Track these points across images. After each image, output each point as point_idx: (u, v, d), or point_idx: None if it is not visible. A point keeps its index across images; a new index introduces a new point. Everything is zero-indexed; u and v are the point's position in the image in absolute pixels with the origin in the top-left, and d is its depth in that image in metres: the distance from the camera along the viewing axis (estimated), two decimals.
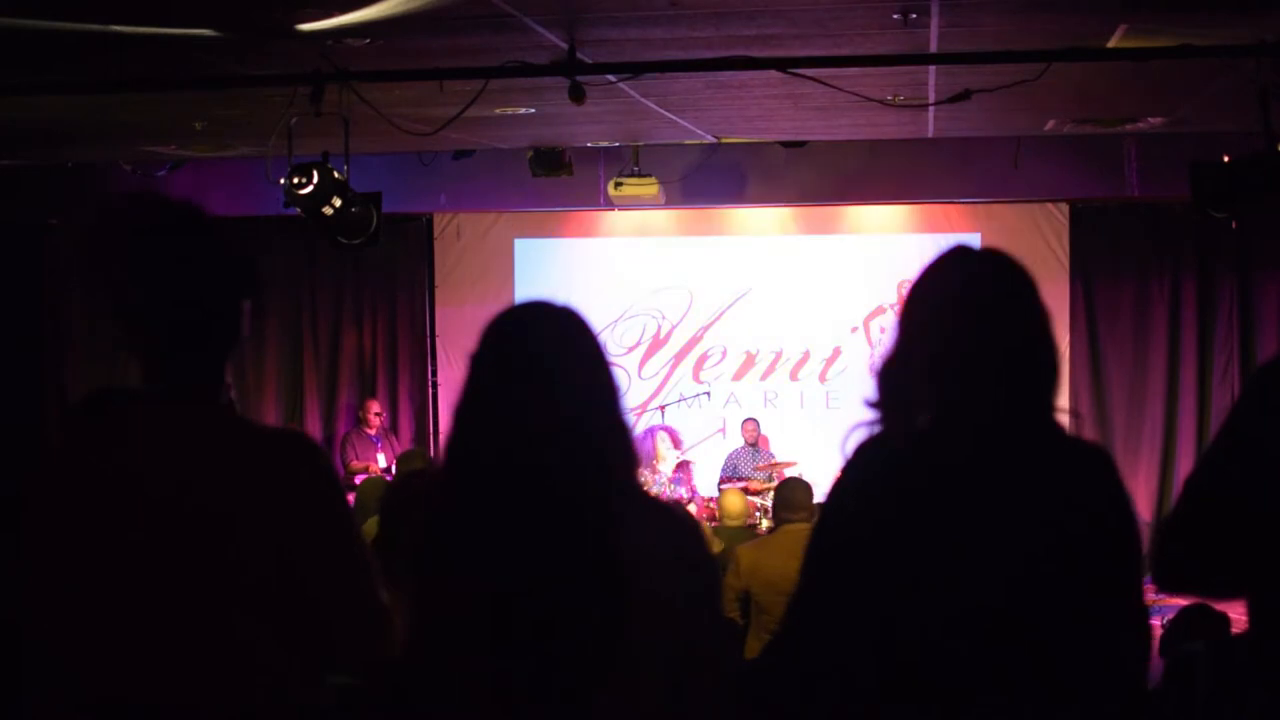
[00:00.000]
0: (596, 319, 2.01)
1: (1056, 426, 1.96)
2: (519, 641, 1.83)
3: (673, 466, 9.36)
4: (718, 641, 1.99)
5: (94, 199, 9.42)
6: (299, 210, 6.80)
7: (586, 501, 1.86)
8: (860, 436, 2.00)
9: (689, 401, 10.42)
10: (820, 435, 9.90)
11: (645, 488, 2.74)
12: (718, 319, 10.73)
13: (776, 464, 9.45)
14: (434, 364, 10.97)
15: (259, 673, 1.84)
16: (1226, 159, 6.34)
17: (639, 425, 9.59)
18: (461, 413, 1.95)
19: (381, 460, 9.98)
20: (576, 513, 1.85)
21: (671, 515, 2.05)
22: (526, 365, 1.91)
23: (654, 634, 1.87)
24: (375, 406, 10.46)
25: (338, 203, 6.80)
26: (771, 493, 8.68)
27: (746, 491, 8.71)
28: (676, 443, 9.57)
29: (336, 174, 6.81)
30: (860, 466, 2.00)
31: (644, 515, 1.94)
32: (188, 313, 1.90)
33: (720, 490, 8.68)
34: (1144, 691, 1.95)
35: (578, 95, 5.64)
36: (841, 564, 1.96)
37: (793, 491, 5.60)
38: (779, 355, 10.68)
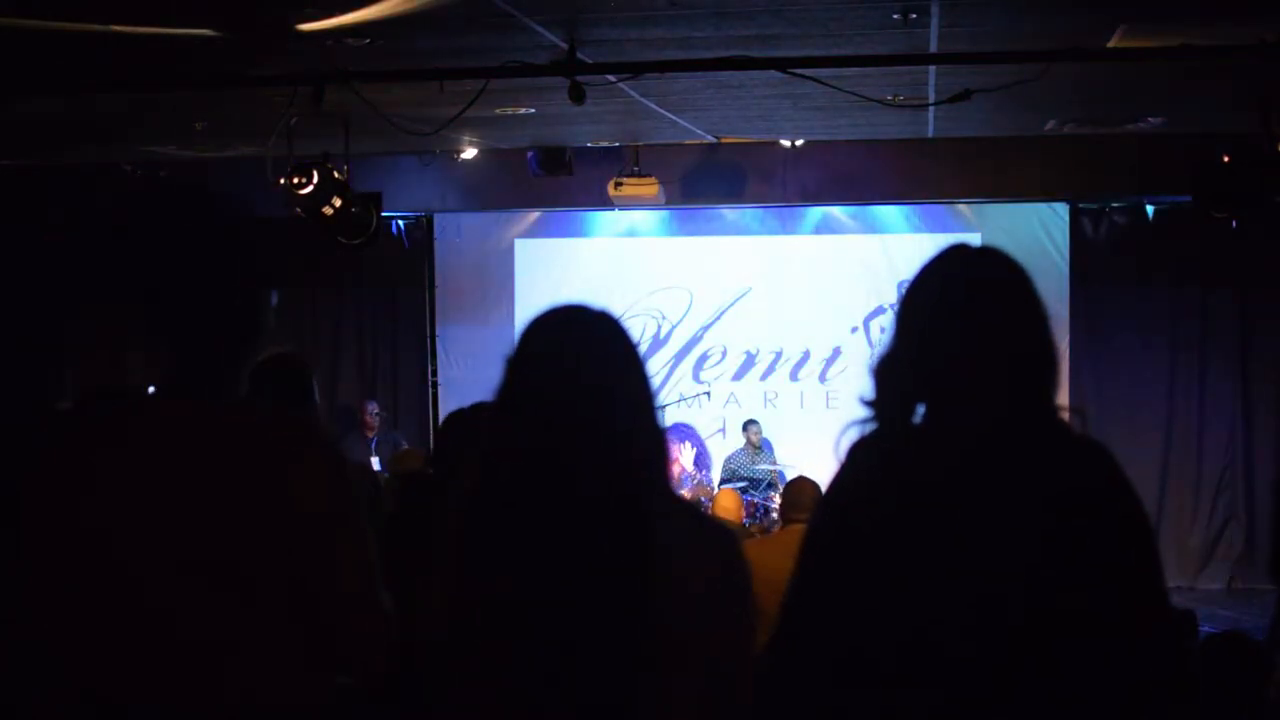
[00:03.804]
0: None
1: (1056, 424, 1.95)
2: (546, 643, 1.83)
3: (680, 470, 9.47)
4: (749, 640, 1.99)
5: (94, 199, 9.42)
6: (299, 210, 6.81)
7: (618, 503, 1.86)
8: (854, 435, 2.00)
9: (689, 401, 10.42)
10: (820, 435, 9.90)
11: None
12: (718, 319, 10.74)
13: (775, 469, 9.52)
14: (434, 364, 10.97)
15: (262, 672, 1.84)
16: (1226, 159, 6.34)
17: None
18: (496, 414, 1.95)
19: (375, 463, 9.89)
20: (608, 514, 1.86)
21: (702, 518, 2.07)
22: (563, 368, 1.92)
23: (685, 636, 1.87)
24: (373, 407, 10.41)
25: (338, 203, 6.82)
26: (776, 495, 8.78)
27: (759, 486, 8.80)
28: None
29: (336, 174, 6.82)
30: (857, 465, 2.00)
31: (675, 517, 1.95)
32: (212, 306, 1.90)
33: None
34: (1170, 688, 1.91)
35: (578, 95, 5.64)
36: (837, 562, 1.95)
37: (800, 491, 5.53)
38: (779, 355, 10.68)
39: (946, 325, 1.96)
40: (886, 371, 2.00)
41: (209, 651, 1.81)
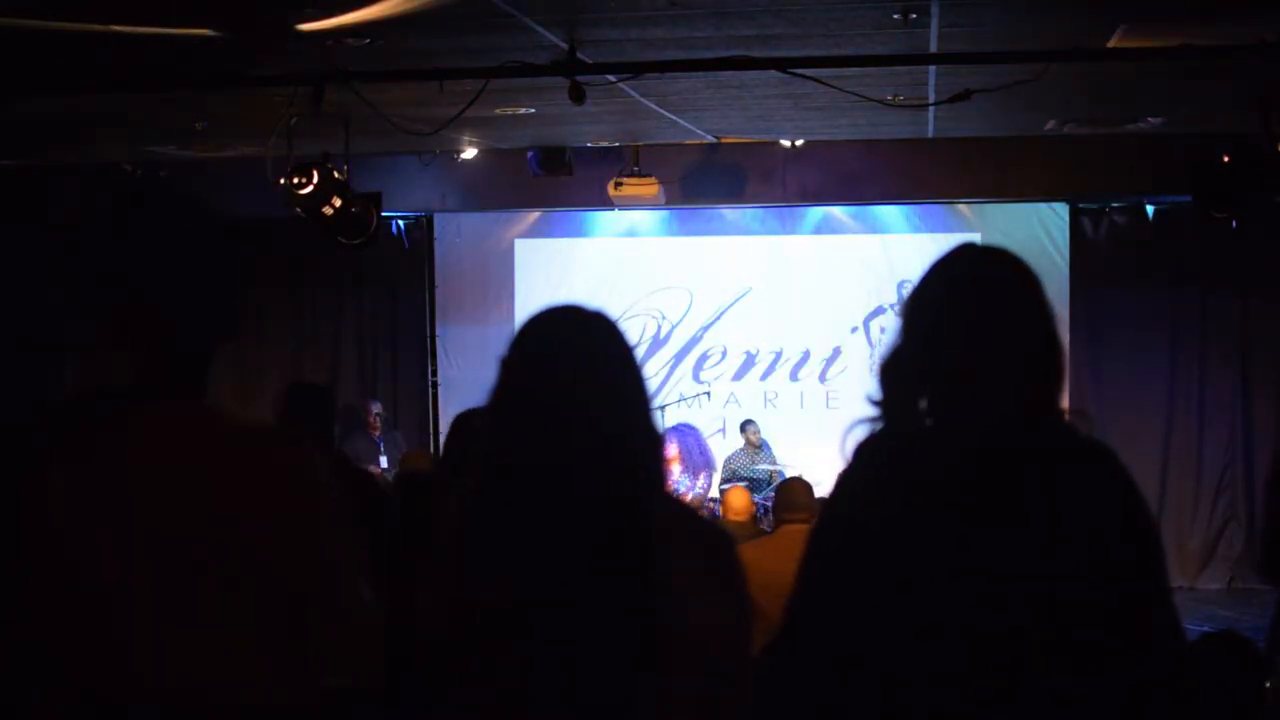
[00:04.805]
0: None
1: (1061, 424, 1.95)
2: (546, 643, 1.83)
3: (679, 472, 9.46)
4: (748, 640, 1.99)
5: (94, 199, 9.42)
6: (299, 210, 6.81)
7: (617, 504, 1.87)
8: (860, 434, 2.00)
9: (689, 401, 10.43)
10: (820, 435, 9.90)
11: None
12: (718, 319, 10.74)
13: (775, 469, 9.51)
14: (434, 364, 10.97)
15: (261, 673, 1.84)
16: (1226, 159, 6.34)
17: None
18: (493, 416, 1.95)
19: (384, 462, 9.94)
20: (607, 514, 1.86)
21: (700, 518, 2.08)
22: (557, 369, 1.92)
23: (685, 636, 1.87)
24: (375, 407, 10.43)
25: (338, 203, 6.82)
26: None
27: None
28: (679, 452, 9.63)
29: (336, 174, 6.82)
30: (862, 463, 2.00)
31: (674, 517, 1.95)
32: (188, 305, 1.90)
33: (721, 490, 8.74)
34: (1172, 688, 1.91)
35: (578, 95, 5.65)
36: (844, 561, 1.95)
37: (792, 492, 5.52)
38: (779, 355, 10.68)
39: (952, 324, 1.96)
40: (892, 370, 1.99)
41: (208, 652, 1.82)
